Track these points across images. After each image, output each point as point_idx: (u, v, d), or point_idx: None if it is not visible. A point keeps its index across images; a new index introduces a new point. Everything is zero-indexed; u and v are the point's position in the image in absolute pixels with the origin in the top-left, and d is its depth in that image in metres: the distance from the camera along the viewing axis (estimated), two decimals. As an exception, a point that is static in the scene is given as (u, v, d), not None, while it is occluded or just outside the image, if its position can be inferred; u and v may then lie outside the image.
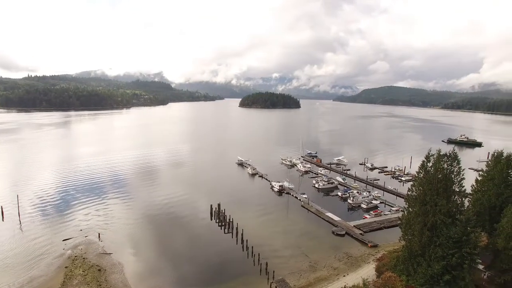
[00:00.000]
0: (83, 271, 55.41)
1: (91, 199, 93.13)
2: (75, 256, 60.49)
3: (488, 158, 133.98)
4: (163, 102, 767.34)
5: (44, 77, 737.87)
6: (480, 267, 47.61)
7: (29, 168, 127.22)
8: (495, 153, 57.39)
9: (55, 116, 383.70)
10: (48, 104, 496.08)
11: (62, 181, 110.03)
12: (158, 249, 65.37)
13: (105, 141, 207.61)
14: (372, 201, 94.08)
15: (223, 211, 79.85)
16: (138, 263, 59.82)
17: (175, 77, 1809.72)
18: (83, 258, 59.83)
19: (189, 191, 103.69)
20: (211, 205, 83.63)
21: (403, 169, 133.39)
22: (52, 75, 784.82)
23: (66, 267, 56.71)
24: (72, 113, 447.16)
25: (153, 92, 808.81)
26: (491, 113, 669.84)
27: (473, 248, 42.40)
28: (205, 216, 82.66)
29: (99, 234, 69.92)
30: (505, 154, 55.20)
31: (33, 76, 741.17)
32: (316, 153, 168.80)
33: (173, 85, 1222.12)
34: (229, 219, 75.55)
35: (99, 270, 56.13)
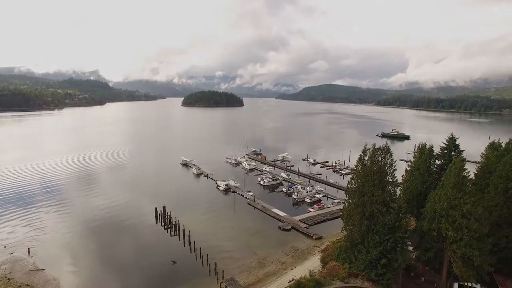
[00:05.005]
0: (8, 293, 49.42)
1: (17, 211, 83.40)
2: (-2, 278, 53.39)
3: (415, 150, 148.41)
4: (100, 102, 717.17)
5: None
6: (410, 248, 52.56)
7: None
8: (420, 145, 63.54)
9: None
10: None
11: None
12: (99, 260, 60.96)
13: (33, 145, 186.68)
14: (315, 195, 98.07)
15: (168, 214, 77.26)
16: (77, 277, 55.09)
17: (113, 75, 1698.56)
18: (8, 279, 53.09)
19: (132, 195, 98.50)
20: (156, 208, 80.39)
21: (343, 163, 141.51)
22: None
23: (-15, 291, 49.98)
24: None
25: (88, 92, 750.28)
26: (416, 109, 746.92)
27: (404, 232, 46.75)
28: (149, 220, 79.28)
29: (28, 249, 62.91)
30: (428, 146, 61.28)
31: None
32: (260, 151, 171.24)
33: (110, 84, 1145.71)
34: (175, 221, 73.45)
35: (30, 289, 50.60)
